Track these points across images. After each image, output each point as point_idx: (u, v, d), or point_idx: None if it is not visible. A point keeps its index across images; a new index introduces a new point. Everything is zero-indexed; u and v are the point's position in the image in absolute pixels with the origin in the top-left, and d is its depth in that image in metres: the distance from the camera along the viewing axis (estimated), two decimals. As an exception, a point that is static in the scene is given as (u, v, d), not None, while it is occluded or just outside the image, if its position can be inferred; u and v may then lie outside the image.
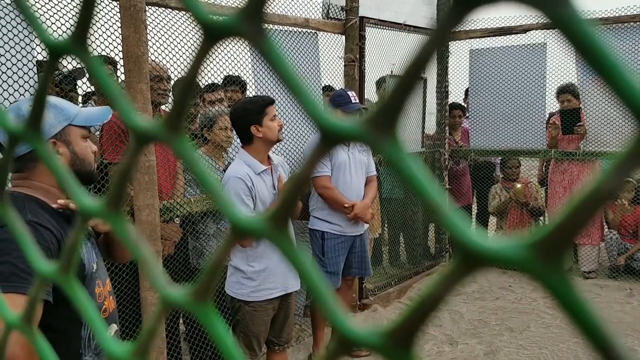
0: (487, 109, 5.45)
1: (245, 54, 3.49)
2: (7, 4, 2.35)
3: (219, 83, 3.54)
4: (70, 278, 0.33)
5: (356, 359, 3.50)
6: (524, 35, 5.10)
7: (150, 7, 2.77)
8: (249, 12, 0.25)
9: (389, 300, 4.64)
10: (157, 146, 2.79)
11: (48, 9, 2.52)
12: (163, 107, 3.11)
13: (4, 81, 2.33)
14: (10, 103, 2.29)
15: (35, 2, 2.49)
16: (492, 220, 5.82)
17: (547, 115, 5.42)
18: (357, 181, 3.54)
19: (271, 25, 3.53)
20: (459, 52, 5.46)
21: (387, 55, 4.67)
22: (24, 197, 1.46)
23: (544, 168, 5.83)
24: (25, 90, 2.39)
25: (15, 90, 2.36)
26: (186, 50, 3.05)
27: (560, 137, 5.13)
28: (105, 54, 2.81)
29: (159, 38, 2.92)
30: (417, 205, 5.25)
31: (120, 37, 2.62)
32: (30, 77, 2.42)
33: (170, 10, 2.93)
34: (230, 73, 3.49)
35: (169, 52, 2.98)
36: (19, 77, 2.38)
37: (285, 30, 3.75)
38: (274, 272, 2.71)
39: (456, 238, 0.22)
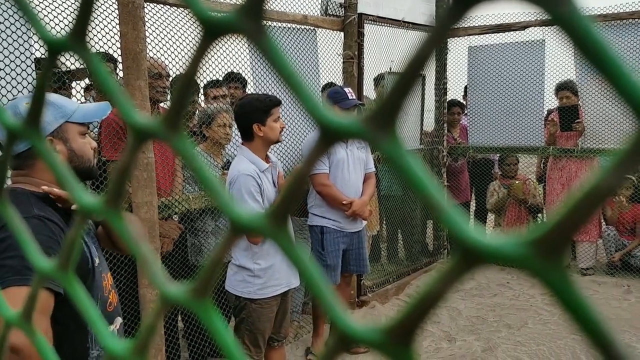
0: (486, 106, 5.45)
1: (244, 50, 3.49)
2: (5, 1, 2.35)
3: (228, 77, 3.54)
4: (70, 275, 0.33)
5: (355, 355, 3.51)
6: (522, 32, 5.10)
7: (148, 3, 2.76)
8: (248, 9, 0.25)
9: (387, 297, 4.64)
10: (155, 143, 2.79)
11: (47, 5, 2.51)
12: (162, 104, 3.10)
13: (1, 78, 2.33)
14: (9, 100, 2.28)
15: (33, -2, 2.49)
16: (491, 217, 5.82)
17: (546, 112, 5.43)
18: (355, 178, 3.54)
19: (270, 22, 3.52)
20: (457, 49, 5.46)
21: (385, 52, 4.66)
22: (27, 192, 1.47)
23: (542, 165, 5.83)
24: (24, 88, 2.39)
25: (13, 87, 2.35)
26: (184, 47, 3.04)
27: (559, 134, 5.14)
28: (104, 52, 2.80)
29: (157, 35, 2.91)
30: (415, 203, 5.25)
31: (119, 33, 2.61)
32: (28, 74, 2.41)
33: (169, 7, 2.93)
34: (229, 70, 3.49)
35: (167, 48, 2.98)
36: (17, 74, 2.38)
37: (284, 27, 3.74)
38: (279, 269, 2.72)
39: (455, 235, 0.22)
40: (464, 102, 5.81)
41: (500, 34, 5.22)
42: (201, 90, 3.68)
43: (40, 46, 2.44)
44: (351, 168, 3.53)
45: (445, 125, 5.41)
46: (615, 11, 4.72)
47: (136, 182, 2.66)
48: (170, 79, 3.08)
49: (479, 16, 5.21)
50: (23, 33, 2.40)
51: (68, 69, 2.76)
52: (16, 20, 2.37)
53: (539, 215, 5.40)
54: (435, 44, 0.22)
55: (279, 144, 3.02)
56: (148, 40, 2.72)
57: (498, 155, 5.59)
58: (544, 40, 5.10)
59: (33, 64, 2.45)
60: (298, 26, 3.84)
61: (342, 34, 4.22)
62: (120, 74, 2.67)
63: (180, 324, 3.40)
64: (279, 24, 3.67)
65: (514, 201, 5.33)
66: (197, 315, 0.28)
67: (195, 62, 0.27)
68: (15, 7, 2.22)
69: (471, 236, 0.22)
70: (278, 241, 0.25)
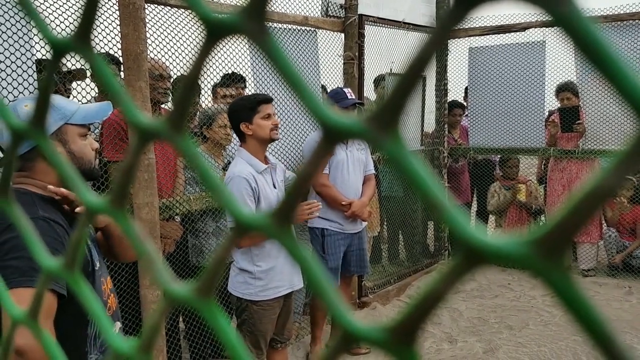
0: (486, 107, 5.46)
1: (245, 51, 3.49)
2: (7, 2, 2.35)
3: (234, 78, 3.55)
4: (76, 274, 0.33)
5: (355, 356, 3.51)
6: (523, 33, 5.10)
7: (149, 4, 2.76)
8: (251, 10, 0.25)
9: (388, 298, 4.64)
10: (156, 144, 2.79)
11: (49, 5, 2.51)
12: (163, 105, 3.11)
13: (2, 79, 2.33)
14: (10, 101, 2.28)
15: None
16: (491, 218, 5.82)
17: (547, 114, 5.43)
18: (354, 179, 3.55)
19: (270, 23, 3.53)
20: (458, 50, 5.46)
21: (386, 53, 4.66)
22: (32, 193, 1.47)
23: (543, 166, 5.83)
24: (24, 89, 2.39)
25: (14, 88, 2.35)
26: (185, 47, 3.04)
27: (560, 135, 5.14)
28: (106, 52, 2.80)
29: (158, 36, 2.92)
30: (416, 203, 5.25)
31: (120, 34, 2.62)
32: (29, 75, 2.41)
33: (169, 7, 2.93)
34: (230, 70, 3.49)
35: (168, 49, 2.98)
36: (18, 75, 2.38)
37: (285, 28, 3.74)
38: (281, 271, 2.71)
39: (458, 235, 0.22)
40: (465, 103, 5.81)
41: (501, 35, 5.22)
42: (204, 90, 3.68)
43: (42, 47, 2.44)
44: (350, 169, 3.53)
45: (445, 126, 5.41)
46: (616, 12, 4.72)
47: (137, 183, 2.66)
48: (172, 80, 3.08)
49: (479, 17, 5.21)
50: (24, 34, 2.41)
51: (68, 70, 2.76)
52: (17, 22, 2.38)
53: (540, 216, 5.40)
54: (436, 46, 0.22)
55: (281, 143, 3.02)
56: (149, 41, 2.72)
57: (499, 156, 5.59)
58: (545, 42, 5.10)
59: (34, 65, 2.45)
60: (298, 27, 3.85)
61: (342, 35, 4.22)
62: (120, 74, 2.68)
63: (181, 325, 3.40)
64: (280, 25, 3.68)
65: (516, 204, 5.34)
66: (201, 314, 0.28)
67: (198, 63, 0.27)
68: (17, 8, 2.22)
69: (473, 236, 0.22)
70: (282, 241, 0.25)
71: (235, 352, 0.27)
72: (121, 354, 0.30)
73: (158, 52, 2.93)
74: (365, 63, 4.31)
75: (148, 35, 2.70)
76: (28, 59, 2.42)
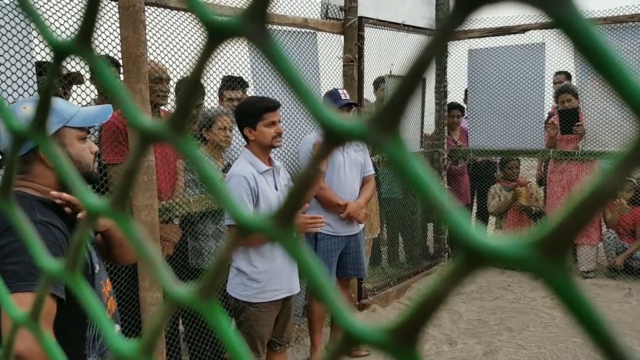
0: (486, 109, 5.46)
1: (245, 53, 3.49)
2: (6, 4, 2.35)
3: (235, 81, 3.54)
4: (77, 276, 0.33)
5: (355, 359, 3.50)
6: (522, 35, 5.11)
7: (149, 7, 2.77)
8: (252, 13, 0.25)
9: (388, 300, 4.64)
10: (156, 146, 2.79)
11: (50, 7, 2.52)
12: (162, 107, 3.11)
13: (2, 81, 2.33)
14: (9, 104, 2.28)
15: (36, 0, 2.49)
16: (491, 220, 5.83)
17: (546, 115, 5.44)
18: (351, 181, 3.53)
19: (270, 25, 3.53)
20: (457, 52, 5.47)
21: (386, 55, 4.67)
22: (30, 196, 1.47)
23: (542, 168, 5.84)
24: (24, 91, 2.39)
25: (14, 90, 2.36)
26: (185, 50, 3.05)
27: (559, 137, 5.14)
28: (106, 54, 2.80)
29: (158, 38, 2.92)
30: (415, 205, 5.25)
31: (119, 37, 2.62)
32: (29, 77, 2.42)
33: (169, 10, 2.93)
34: (230, 73, 3.50)
35: (168, 52, 2.98)
36: (18, 77, 2.38)
37: (284, 30, 3.75)
38: (279, 274, 2.72)
39: (458, 236, 0.22)
40: (465, 105, 5.82)
41: (501, 37, 5.23)
42: (210, 93, 3.67)
43: (42, 49, 2.44)
44: (347, 170, 3.51)
45: (445, 128, 5.42)
46: (615, 14, 4.73)
47: (137, 185, 2.66)
48: (171, 82, 3.09)
49: (479, 19, 5.22)
50: (24, 37, 2.41)
51: (68, 72, 2.76)
52: (17, 24, 2.38)
53: (540, 218, 5.40)
54: (436, 49, 0.22)
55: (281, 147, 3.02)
56: (148, 43, 2.72)
57: (499, 158, 5.60)
58: (544, 43, 5.11)
59: (34, 67, 2.45)
60: (298, 29, 3.85)
61: (342, 37, 4.23)
62: (120, 76, 2.68)
63: (181, 327, 3.39)
64: (280, 27, 3.68)
65: (517, 206, 5.35)
66: (203, 316, 0.28)
67: (200, 66, 0.27)
68: (17, 10, 2.22)
69: (474, 238, 0.22)
70: (283, 243, 0.26)
71: (236, 353, 0.27)
72: (122, 356, 0.30)
73: (158, 54, 2.93)
74: (364, 65, 4.31)
75: (148, 37, 2.70)
76: (28, 61, 2.43)
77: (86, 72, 2.82)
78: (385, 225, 5.28)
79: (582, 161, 5.05)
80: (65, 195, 1.47)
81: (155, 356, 2.49)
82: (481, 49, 5.40)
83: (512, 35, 5.16)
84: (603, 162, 5.00)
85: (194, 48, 3.06)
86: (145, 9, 2.67)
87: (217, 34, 0.27)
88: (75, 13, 2.58)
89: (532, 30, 5.00)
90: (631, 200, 5.08)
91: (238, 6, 3.22)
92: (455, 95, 5.74)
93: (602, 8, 4.74)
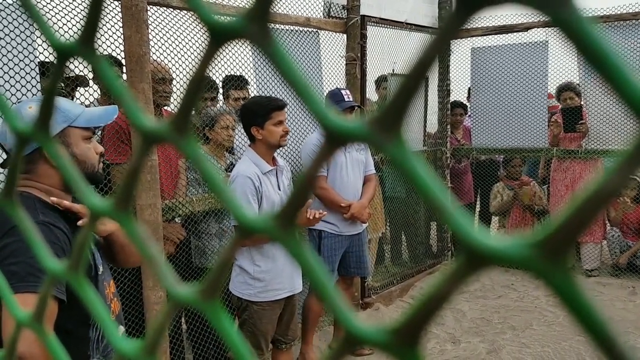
0: (489, 107, 5.45)
1: (247, 53, 3.49)
2: (9, 4, 2.36)
3: (237, 80, 3.54)
4: (80, 276, 0.33)
5: (359, 357, 3.51)
6: (525, 33, 5.10)
7: (151, 6, 2.77)
8: (255, 13, 0.26)
9: (391, 299, 4.64)
10: (159, 146, 2.79)
11: (52, 7, 2.52)
12: (165, 107, 3.11)
13: (5, 81, 2.33)
14: (13, 104, 2.29)
15: (39, 0, 2.49)
16: (495, 219, 5.81)
17: (550, 113, 5.42)
18: (354, 180, 3.53)
19: (273, 25, 3.53)
20: (460, 50, 5.46)
21: (388, 53, 4.66)
22: (33, 197, 1.47)
23: (545, 166, 5.82)
24: (28, 91, 2.39)
25: (17, 90, 2.36)
26: (188, 49, 3.05)
27: (562, 135, 5.13)
28: (109, 55, 2.81)
29: (161, 38, 2.92)
30: (419, 204, 5.25)
31: (122, 36, 2.62)
32: (32, 78, 2.42)
33: (172, 9, 2.94)
34: (232, 72, 3.50)
35: (171, 51, 2.99)
36: (21, 77, 2.38)
37: (287, 30, 3.75)
38: (281, 274, 2.72)
39: (460, 237, 0.22)
40: (468, 104, 5.81)
41: (504, 35, 5.22)
42: (220, 90, 3.67)
43: (45, 49, 2.45)
44: (350, 170, 3.51)
45: (448, 126, 5.41)
46: (618, 12, 4.71)
47: (140, 185, 2.66)
48: (174, 82, 3.09)
49: (482, 18, 5.21)
50: (27, 37, 2.41)
51: (74, 75, 2.76)
52: (20, 24, 2.38)
53: (544, 217, 5.39)
54: (439, 48, 0.22)
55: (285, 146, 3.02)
56: (151, 43, 2.73)
57: (502, 156, 5.59)
58: (547, 42, 5.10)
59: (37, 67, 2.45)
60: (301, 28, 3.85)
61: (344, 36, 4.22)
62: (123, 76, 2.68)
63: (184, 326, 3.40)
64: (282, 26, 3.68)
65: (520, 206, 5.33)
66: (205, 316, 0.28)
67: (203, 66, 0.27)
68: (20, 11, 2.23)
69: (476, 238, 0.22)
70: (286, 243, 0.26)
71: (239, 353, 0.27)
72: (126, 356, 0.30)
73: (160, 54, 2.94)
74: (367, 64, 4.31)
75: (151, 37, 2.71)
76: (31, 61, 2.43)
77: (89, 72, 2.82)
78: (388, 223, 5.27)
79: (586, 159, 5.04)
80: (65, 202, 1.47)
81: (159, 355, 2.49)
82: (484, 47, 5.39)
83: (515, 34, 5.15)
84: (606, 161, 4.99)
85: (197, 48, 3.06)
86: (148, 8, 2.67)
87: (220, 36, 0.27)
88: (77, 13, 2.58)
89: (535, 29, 4.99)
90: (635, 198, 5.06)
91: (241, 5, 3.22)
92: (458, 93, 5.73)
93: (605, 6, 4.73)
